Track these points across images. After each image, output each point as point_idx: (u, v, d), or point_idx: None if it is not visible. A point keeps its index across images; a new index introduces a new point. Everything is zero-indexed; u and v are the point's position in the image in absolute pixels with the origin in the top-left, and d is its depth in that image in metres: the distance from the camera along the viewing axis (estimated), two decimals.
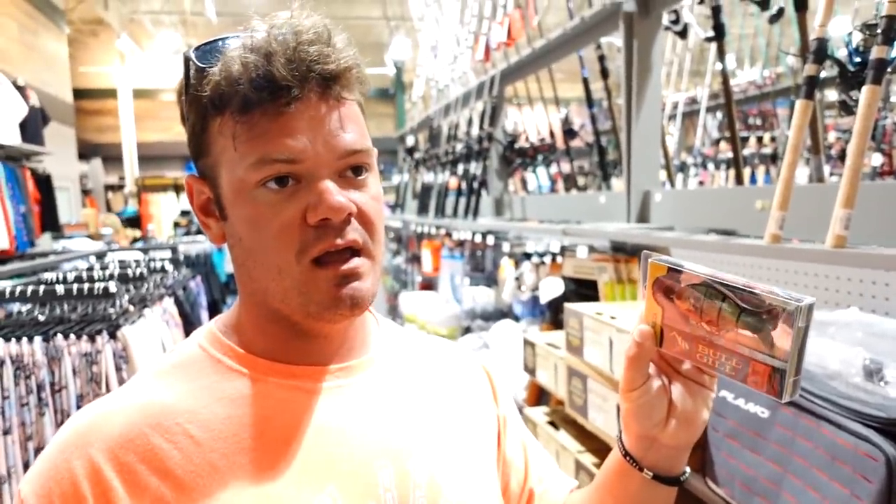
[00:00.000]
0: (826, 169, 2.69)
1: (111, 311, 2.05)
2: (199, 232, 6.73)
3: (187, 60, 0.58)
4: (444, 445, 0.66)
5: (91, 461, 0.54)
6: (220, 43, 0.57)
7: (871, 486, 0.79)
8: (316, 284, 0.57)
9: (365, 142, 0.59)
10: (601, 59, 2.57)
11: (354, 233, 0.57)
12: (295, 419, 0.59)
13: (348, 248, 0.57)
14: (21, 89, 4.39)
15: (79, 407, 1.90)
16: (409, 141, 4.84)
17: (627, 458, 0.64)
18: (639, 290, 0.61)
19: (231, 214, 0.59)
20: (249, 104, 0.55)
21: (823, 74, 1.22)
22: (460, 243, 3.53)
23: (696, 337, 0.57)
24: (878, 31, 1.05)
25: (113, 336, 1.94)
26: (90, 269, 2.73)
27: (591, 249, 2.12)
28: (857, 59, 1.15)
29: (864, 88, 1.05)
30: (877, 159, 3.18)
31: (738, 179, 1.83)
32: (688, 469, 0.66)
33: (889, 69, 1.08)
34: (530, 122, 3.48)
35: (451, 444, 0.67)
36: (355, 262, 0.58)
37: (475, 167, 3.19)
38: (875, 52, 1.05)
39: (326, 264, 0.57)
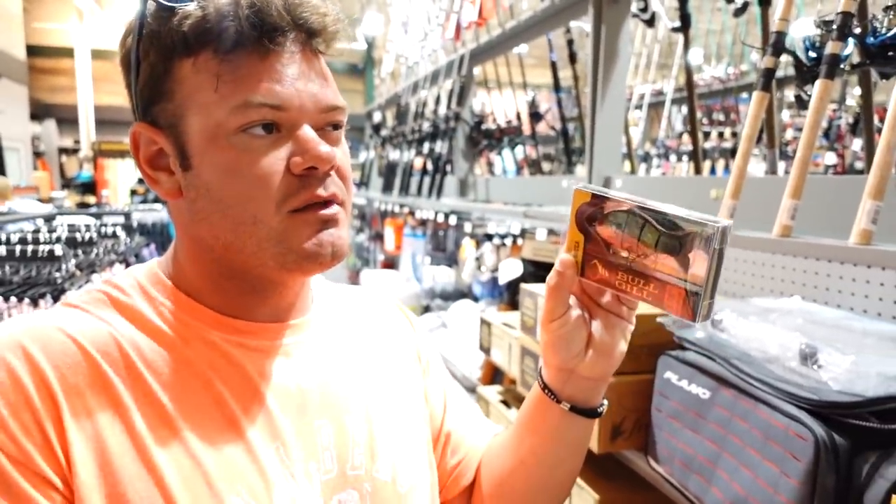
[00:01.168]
0: (781, 165, 2.77)
1: (57, 274, 1.98)
2: (156, 200, 6.56)
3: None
4: (378, 403, 0.66)
5: (37, 369, 0.50)
6: None
7: (800, 464, 0.82)
8: (296, 232, 0.55)
9: (342, 99, 0.58)
10: (570, 43, 2.57)
11: (335, 186, 0.56)
12: (246, 376, 0.58)
13: (329, 199, 0.56)
14: None
15: None
16: (377, 117, 4.79)
17: (546, 391, 0.65)
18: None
19: (199, 163, 0.54)
20: (237, 42, 0.52)
21: (785, 73, 1.25)
22: (423, 222, 3.53)
23: (617, 264, 0.57)
24: (833, 26, 1.08)
25: (57, 300, 1.88)
26: (36, 231, 2.63)
27: (551, 232, 2.14)
28: (813, 55, 1.18)
29: (818, 83, 1.08)
30: (830, 158, 3.28)
31: (697, 169, 1.86)
32: (605, 402, 0.67)
33: (843, 65, 1.11)
34: (498, 104, 3.48)
35: (385, 400, 0.67)
36: (335, 209, 0.56)
37: (441, 146, 3.17)
38: (829, 48, 1.08)
39: (306, 212, 0.55)
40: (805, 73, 1.18)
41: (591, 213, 0.58)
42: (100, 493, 0.50)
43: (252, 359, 0.59)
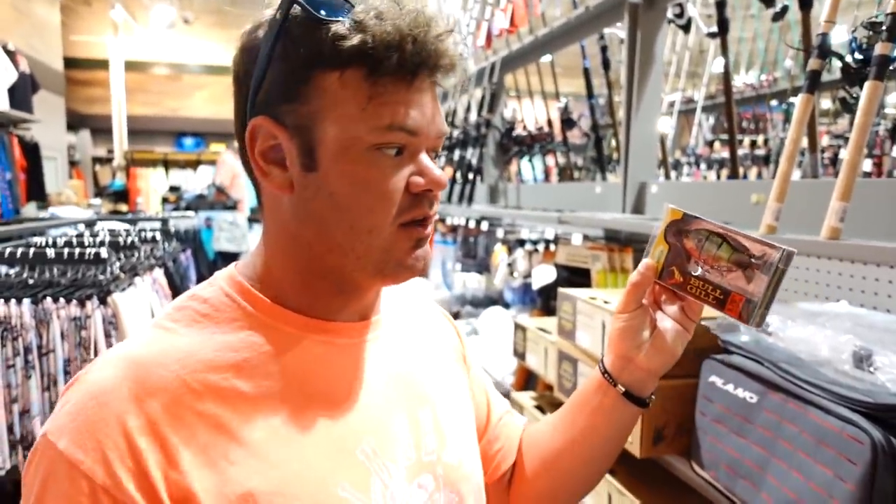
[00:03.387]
0: (820, 170, 2.73)
1: (102, 277, 2.03)
2: (187, 208, 6.68)
3: (292, 3, 0.56)
4: (439, 393, 0.73)
5: (148, 419, 0.52)
6: (338, 0, 0.57)
7: (856, 468, 0.81)
8: (400, 245, 0.60)
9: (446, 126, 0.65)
10: (603, 49, 2.57)
11: (436, 205, 0.63)
12: (334, 373, 0.63)
13: (428, 217, 0.62)
14: (11, 54, 4.32)
15: (66, 372, 1.90)
16: None
17: (606, 375, 0.75)
18: (652, 235, 0.74)
19: (328, 168, 0.58)
20: (390, 71, 0.56)
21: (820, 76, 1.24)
22: (453, 229, 3.54)
23: (692, 273, 0.69)
24: (883, 28, 1.07)
25: (103, 302, 1.93)
26: (80, 235, 2.71)
27: (586, 238, 2.14)
28: (860, 56, 1.17)
29: (867, 84, 1.07)
30: (867, 165, 3.23)
31: (734, 173, 1.85)
32: (653, 396, 0.77)
33: (892, 66, 1.10)
34: (529, 112, 3.49)
35: (444, 390, 0.74)
36: (429, 230, 0.63)
37: (471, 153, 3.19)
38: (879, 49, 1.07)
39: (409, 228, 0.61)
40: (852, 76, 1.17)
41: (678, 228, 0.70)
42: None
43: (340, 357, 0.64)
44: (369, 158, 0.57)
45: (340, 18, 0.56)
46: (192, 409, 0.54)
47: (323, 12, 0.55)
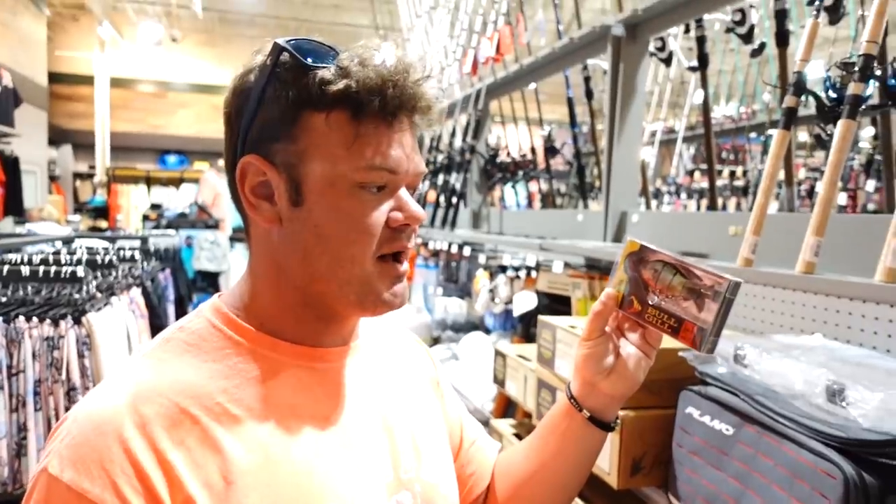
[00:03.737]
0: (797, 202, 2.78)
1: (77, 296, 2.00)
2: (168, 226, 6.61)
3: (280, 50, 0.61)
4: (415, 415, 0.76)
5: (152, 443, 0.55)
6: (319, 46, 0.62)
7: (828, 503, 0.82)
8: (380, 279, 0.64)
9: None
10: (587, 80, 2.62)
11: (413, 238, 0.67)
12: (315, 399, 0.66)
13: (403, 250, 0.66)
14: None
15: (36, 392, 1.85)
16: None
17: (572, 400, 0.78)
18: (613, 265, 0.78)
19: (314, 203, 0.62)
20: (372, 114, 0.60)
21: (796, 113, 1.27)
22: (436, 253, 3.54)
23: (648, 303, 0.72)
24: (856, 68, 1.10)
25: (77, 321, 1.89)
26: (57, 253, 2.66)
27: (567, 266, 2.15)
28: (834, 95, 1.20)
29: (840, 122, 1.10)
30: (842, 198, 3.29)
31: (712, 205, 1.88)
32: (618, 421, 0.81)
33: (863, 106, 1.13)
34: (513, 138, 3.52)
35: (420, 412, 0.77)
36: (406, 266, 0.66)
37: (455, 178, 3.20)
38: (851, 89, 1.10)
39: (387, 262, 0.64)
40: (826, 114, 1.20)
41: (637, 259, 0.73)
42: None
43: (323, 380, 0.67)
44: (353, 194, 0.61)
45: (326, 65, 0.60)
46: (190, 433, 0.57)
47: (310, 59, 0.60)
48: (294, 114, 0.61)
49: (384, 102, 0.60)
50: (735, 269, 1.21)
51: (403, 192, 0.65)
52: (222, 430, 0.59)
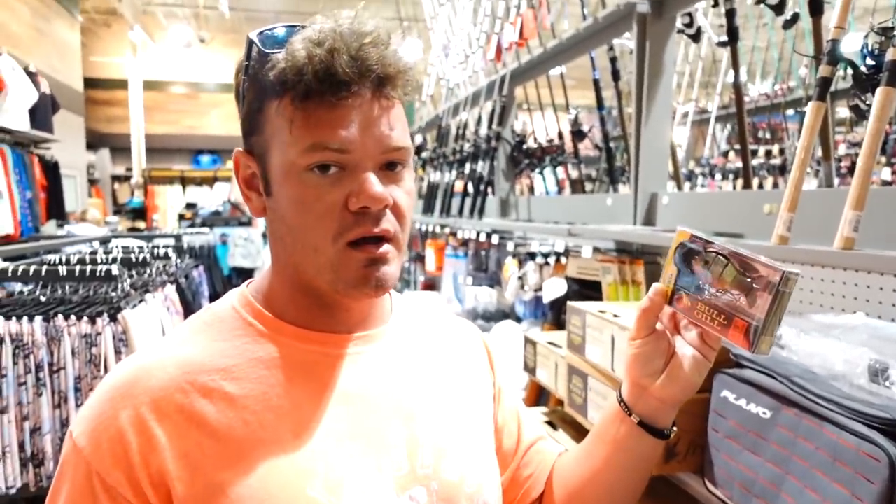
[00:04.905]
0: (836, 180, 2.69)
1: (113, 294, 2.04)
2: (203, 224, 6.74)
3: (251, 43, 0.62)
4: (446, 409, 0.72)
5: (137, 412, 0.59)
6: (283, 31, 0.62)
7: (873, 486, 0.78)
8: (347, 265, 0.61)
9: (406, 139, 0.64)
10: (613, 61, 2.56)
11: (388, 223, 0.62)
12: (319, 382, 0.65)
13: (382, 235, 0.62)
14: (32, 75, 4.41)
15: (77, 388, 1.90)
16: (418, 140, 4.83)
17: (622, 403, 0.72)
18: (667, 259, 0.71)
19: (276, 192, 0.63)
20: (310, 93, 0.58)
21: (835, 87, 1.21)
22: (464, 242, 3.52)
23: (699, 298, 0.65)
24: (894, 33, 1.05)
25: (113, 319, 1.94)
26: (93, 252, 2.73)
27: (596, 250, 2.11)
28: (872, 63, 1.14)
29: (879, 90, 1.05)
30: (886, 173, 3.17)
31: (747, 184, 1.82)
32: (674, 428, 0.73)
33: None
34: (539, 124, 3.48)
35: (453, 408, 0.73)
36: (385, 248, 0.62)
37: (482, 166, 3.18)
38: (890, 54, 1.04)
39: (359, 247, 0.61)
40: (864, 82, 1.14)
41: (688, 250, 0.67)
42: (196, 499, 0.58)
43: (324, 366, 0.66)
44: (304, 180, 0.60)
45: (280, 50, 0.60)
46: (177, 406, 0.60)
47: (268, 48, 0.61)
48: (259, 104, 0.62)
49: (320, 78, 0.57)
50: (769, 248, 1.17)
51: (368, 174, 0.60)
52: (211, 406, 0.60)
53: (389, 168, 0.63)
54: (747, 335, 0.60)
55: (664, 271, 0.69)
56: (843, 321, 1.09)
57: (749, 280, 0.61)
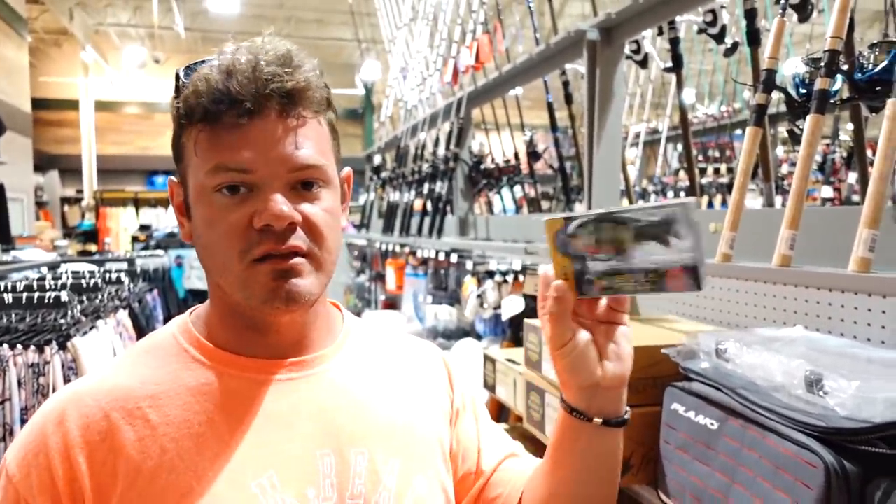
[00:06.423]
0: (778, 199, 2.81)
1: (62, 321, 1.98)
2: (157, 247, 6.59)
3: (177, 76, 0.65)
4: (388, 435, 0.70)
5: (65, 440, 0.61)
6: (202, 62, 0.63)
7: (811, 492, 0.82)
8: (255, 279, 0.61)
9: (319, 158, 0.63)
10: (565, 84, 2.64)
11: (298, 240, 0.62)
12: (244, 408, 0.64)
13: (290, 252, 0.61)
14: None
15: (23, 420, 1.83)
16: (377, 160, 4.85)
17: (574, 413, 0.67)
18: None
19: (194, 214, 0.65)
20: (210, 116, 0.60)
21: (776, 109, 1.28)
22: (424, 261, 3.54)
23: (607, 272, 0.60)
24: (822, 64, 1.12)
25: (62, 347, 1.88)
26: (41, 278, 2.65)
27: None
28: (803, 91, 1.22)
29: (809, 117, 1.11)
30: (826, 191, 3.33)
31: None
32: (628, 409, 0.69)
33: (834, 101, 1.15)
34: (497, 145, 3.54)
35: (397, 434, 0.71)
36: (296, 260, 0.62)
37: (441, 186, 3.21)
38: (818, 84, 1.11)
39: (266, 262, 0.61)
40: (797, 109, 1.21)
41: (567, 235, 0.62)
42: None
43: (252, 393, 0.65)
44: (213, 201, 0.62)
45: (187, 81, 0.63)
46: (101, 433, 0.61)
47: (186, 77, 0.63)
48: (179, 132, 0.65)
49: (216, 100, 0.59)
50: (714, 265, 1.22)
51: (270, 192, 0.60)
52: (132, 435, 0.61)
53: (305, 188, 0.63)
54: (691, 276, 0.55)
55: (554, 267, 0.63)
56: (784, 334, 1.14)
57: (652, 227, 0.56)
